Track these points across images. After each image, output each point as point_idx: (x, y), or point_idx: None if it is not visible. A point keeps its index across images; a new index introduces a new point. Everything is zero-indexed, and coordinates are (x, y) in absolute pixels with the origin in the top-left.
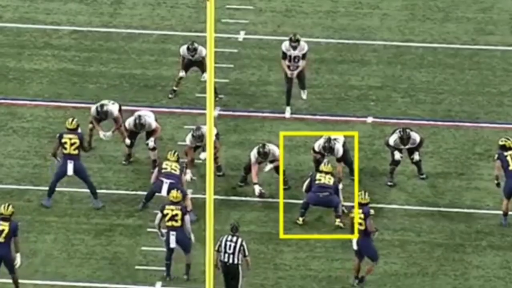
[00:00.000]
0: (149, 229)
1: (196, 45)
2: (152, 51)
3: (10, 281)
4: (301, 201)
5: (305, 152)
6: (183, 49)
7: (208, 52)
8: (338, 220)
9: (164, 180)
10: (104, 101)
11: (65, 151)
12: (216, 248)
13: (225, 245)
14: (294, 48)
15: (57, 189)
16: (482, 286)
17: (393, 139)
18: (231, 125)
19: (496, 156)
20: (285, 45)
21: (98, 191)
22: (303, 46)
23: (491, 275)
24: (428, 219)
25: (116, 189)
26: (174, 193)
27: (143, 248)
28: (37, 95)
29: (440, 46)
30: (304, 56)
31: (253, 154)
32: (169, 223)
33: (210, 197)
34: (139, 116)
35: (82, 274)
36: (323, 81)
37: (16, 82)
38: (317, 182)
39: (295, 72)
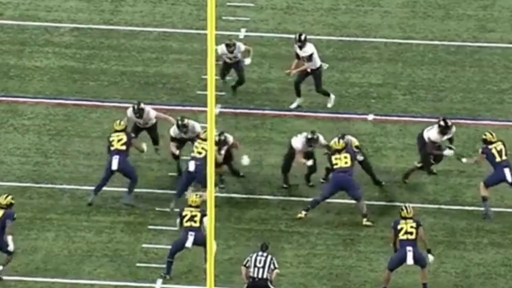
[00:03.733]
0: (150, 227)
1: (234, 42)
2: (153, 48)
3: (11, 278)
4: (300, 199)
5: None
6: (221, 48)
7: (209, 49)
8: (365, 219)
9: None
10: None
11: (112, 148)
12: (244, 263)
13: (255, 260)
14: (300, 48)
15: (58, 186)
16: (483, 284)
17: (433, 134)
18: (231, 123)
19: (481, 150)
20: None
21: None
22: (307, 48)
23: (492, 272)
24: (429, 217)
25: (117, 186)
26: (193, 197)
27: (144, 245)
28: (38, 92)
29: (441, 44)
30: (309, 58)
31: (299, 142)
32: (188, 224)
33: (211, 194)
34: (181, 118)
35: (82, 271)
36: (324, 79)
37: (17, 80)
38: (335, 167)
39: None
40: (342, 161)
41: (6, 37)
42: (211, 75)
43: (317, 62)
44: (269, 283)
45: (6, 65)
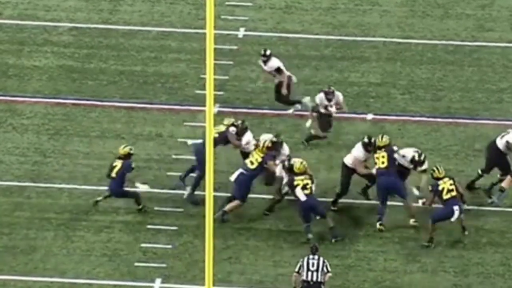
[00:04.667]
0: (148, 226)
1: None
2: (151, 47)
3: (11, 277)
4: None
5: (305, 149)
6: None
7: (207, 48)
8: (412, 220)
9: None
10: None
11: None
12: (297, 270)
13: (308, 263)
14: (264, 62)
15: (57, 185)
16: (481, 283)
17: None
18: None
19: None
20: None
21: (97, 187)
22: (272, 63)
23: (490, 272)
24: (427, 216)
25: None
26: (297, 164)
27: (143, 244)
28: (37, 91)
29: (439, 43)
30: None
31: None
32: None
33: (209, 194)
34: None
35: (81, 270)
36: (323, 78)
37: (15, 79)
38: (376, 167)
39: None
40: (379, 160)
41: (5, 37)
42: (210, 75)
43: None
44: (322, 286)
45: (5, 64)
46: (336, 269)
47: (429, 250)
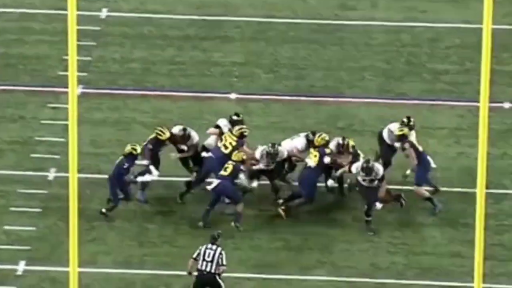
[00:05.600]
0: (12, 208)
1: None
2: (13, 29)
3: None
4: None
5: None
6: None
7: (69, 30)
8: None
9: None
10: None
11: None
12: (194, 256)
13: (204, 252)
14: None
15: None
16: (346, 260)
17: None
18: (94, 103)
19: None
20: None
21: None
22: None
23: (355, 249)
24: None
25: None
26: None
27: (6, 227)
28: None
29: (302, 22)
30: None
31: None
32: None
33: (73, 175)
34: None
35: None
36: (187, 58)
37: None
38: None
39: None
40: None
41: None
42: (72, 56)
43: None
44: (217, 277)
45: None
46: None
47: (294, 228)
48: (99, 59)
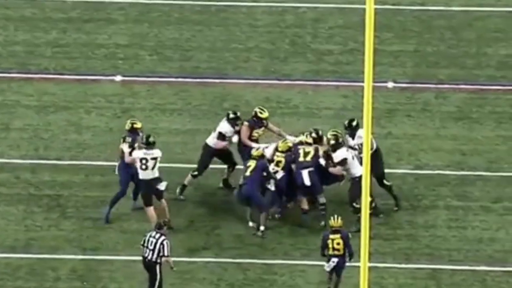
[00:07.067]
0: None
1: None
2: None
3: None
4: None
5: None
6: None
7: None
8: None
9: None
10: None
11: None
12: (142, 243)
13: (148, 240)
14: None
15: None
16: (233, 241)
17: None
18: None
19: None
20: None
21: None
22: None
23: (242, 231)
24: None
25: None
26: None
27: None
28: None
29: (186, 3)
30: None
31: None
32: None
33: None
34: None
35: None
36: (70, 41)
37: None
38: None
39: None
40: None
41: None
42: None
43: None
44: (157, 266)
45: None
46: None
47: (179, 211)
48: None
